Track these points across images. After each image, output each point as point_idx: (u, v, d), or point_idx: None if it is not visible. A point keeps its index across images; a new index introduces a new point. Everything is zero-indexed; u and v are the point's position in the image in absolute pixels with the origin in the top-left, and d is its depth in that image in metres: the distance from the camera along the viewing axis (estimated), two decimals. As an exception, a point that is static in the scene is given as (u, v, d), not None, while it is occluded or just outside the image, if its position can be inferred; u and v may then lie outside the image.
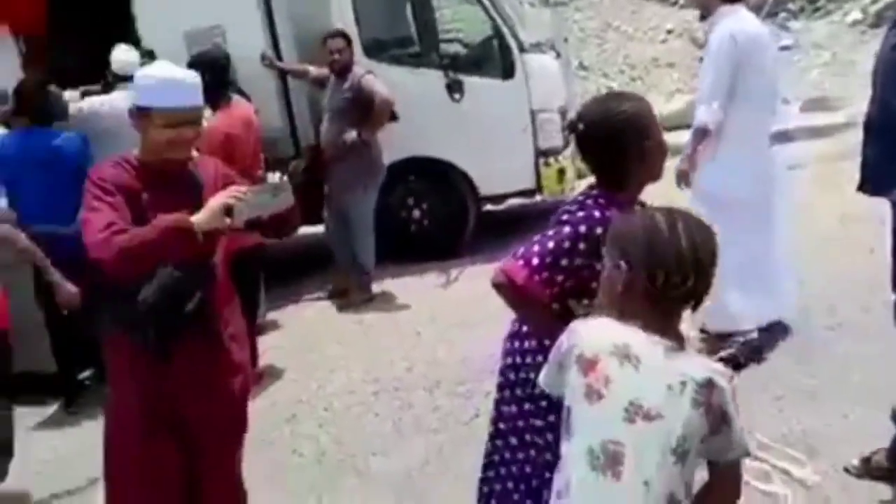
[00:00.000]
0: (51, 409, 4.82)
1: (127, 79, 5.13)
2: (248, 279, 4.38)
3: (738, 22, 3.86)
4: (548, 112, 6.38)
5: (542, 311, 2.03)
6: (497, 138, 6.30)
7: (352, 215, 5.77)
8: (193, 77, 2.45)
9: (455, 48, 6.91)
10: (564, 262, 1.97)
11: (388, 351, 4.95)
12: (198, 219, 2.29)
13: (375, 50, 6.35)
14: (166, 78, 2.41)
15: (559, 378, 1.66)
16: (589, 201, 2.04)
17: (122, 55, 5.30)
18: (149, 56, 5.29)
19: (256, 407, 4.44)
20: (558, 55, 7.08)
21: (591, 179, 2.19)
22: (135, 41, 5.81)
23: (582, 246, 1.97)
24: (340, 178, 5.74)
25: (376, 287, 5.96)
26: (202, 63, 4.38)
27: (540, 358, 2.04)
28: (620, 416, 1.54)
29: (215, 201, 2.32)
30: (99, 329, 2.52)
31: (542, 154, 6.39)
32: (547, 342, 1.88)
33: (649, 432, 1.53)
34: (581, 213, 2.01)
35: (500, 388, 2.23)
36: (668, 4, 14.44)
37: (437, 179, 6.48)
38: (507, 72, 6.34)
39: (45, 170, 4.45)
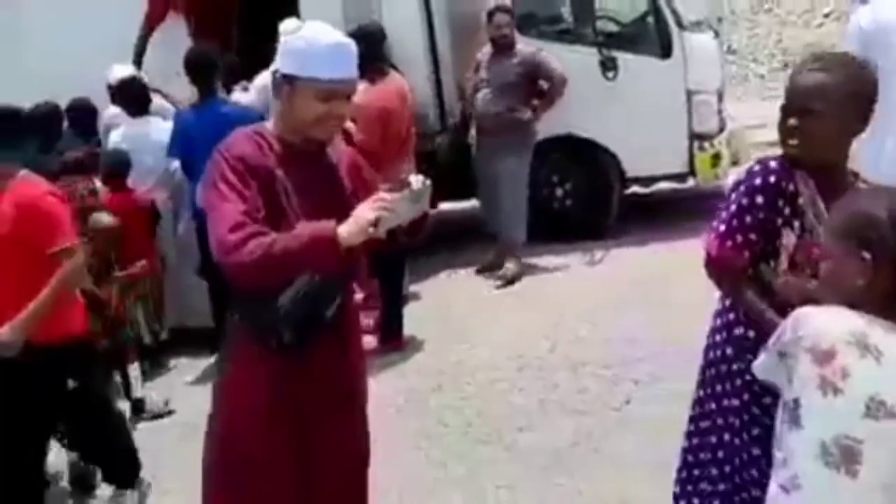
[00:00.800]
0: (207, 362, 5.03)
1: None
2: (391, 260, 4.41)
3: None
4: (705, 93, 6.14)
5: (745, 284, 1.97)
6: (649, 119, 6.10)
7: (505, 187, 5.75)
8: (351, 45, 2.10)
9: (610, 25, 6.72)
10: (748, 219, 1.94)
11: (530, 327, 4.91)
12: (345, 231, 1.97)
13: (528, 25, 6.27)
14: (323, 43, 2.05)
15: (779, 367, 1.56)
16: (762, 164, 1.98)
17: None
18: None
19: (402, 374, 4.56)
20: (716, 34, 6.78)
21: (745, 165, 2.12)
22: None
23: (760, 199, 1.93)
24: (496, 150, 5.75)
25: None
26: (360, 35, 4.42)
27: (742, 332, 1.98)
28: (860, 411, 1.43)
29: (364, 214, 1.98)
30: (226, 324, 2.27)
31: (696, 137, 6.15)
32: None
33: (893, 431, 1.42)
34: (756, 168, 1.97)
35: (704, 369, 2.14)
36: (827, -14, 13.62)
37: (583, 158, 6.35)
38: (665, 50, 6.12)
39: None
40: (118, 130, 5.33)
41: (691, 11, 6.72)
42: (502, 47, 5.74)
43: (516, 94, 5.71)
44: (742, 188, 1.97)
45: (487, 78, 5.80)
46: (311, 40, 2.05)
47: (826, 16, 13.45)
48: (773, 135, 6.68)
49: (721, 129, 6.28)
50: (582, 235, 6.20)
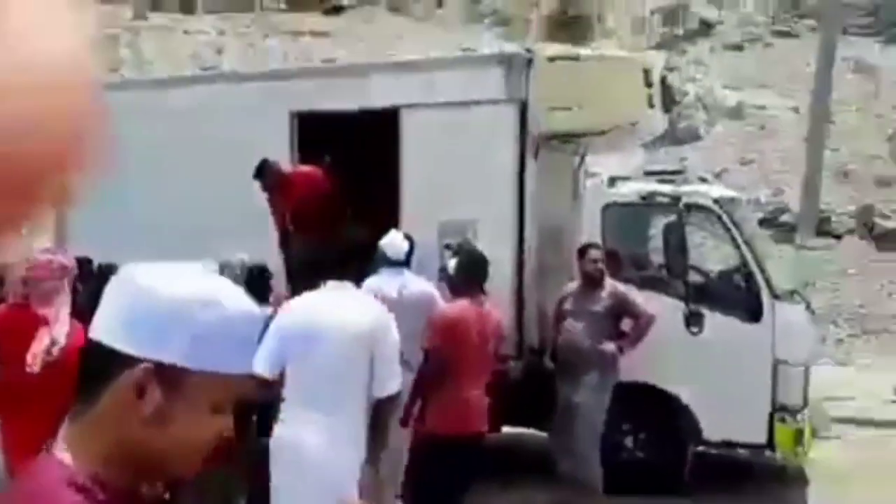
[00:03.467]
0: None
1: (393, 263, 5.36)
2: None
3: None
4: (792, 366, 5.93)
5: None
6: (732, 382, 5.91)
7: (582, 423, 5.59)
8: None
9: (698, 278, 6.70)
10: None
11: None
12: None
13: (615, 268, 6.29)
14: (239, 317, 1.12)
15: None
16: None
17: (396, 240, 5.52)
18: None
19: None
20: (808, 306, 6.68)
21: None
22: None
23: None
24: (576, 383, 5.65)
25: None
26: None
27: None
28: None
29: None
30: None
31: (780, 409, 5.89)
32: None
33: None
34: None
35: None
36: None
37: (660, 411, 6.13)
38: (755, 314, 6.02)
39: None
40: None
41: (787, 280, 6.69)
42: (594, 280, 5.75)
43: (602, 328, 5.68)
44: None
45: (574, 309, 5.79)
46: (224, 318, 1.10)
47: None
48: (854, 410, 6.39)
49: (805, 405, 6.02)
50: (652, 489, 5.86)
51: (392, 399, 3.71)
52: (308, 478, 3.45)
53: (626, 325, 5.80)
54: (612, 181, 6.74)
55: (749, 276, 6.09)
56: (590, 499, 5.55)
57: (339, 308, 3.66)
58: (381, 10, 24.76)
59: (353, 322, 3.61)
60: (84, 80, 0.68)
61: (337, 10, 24.78)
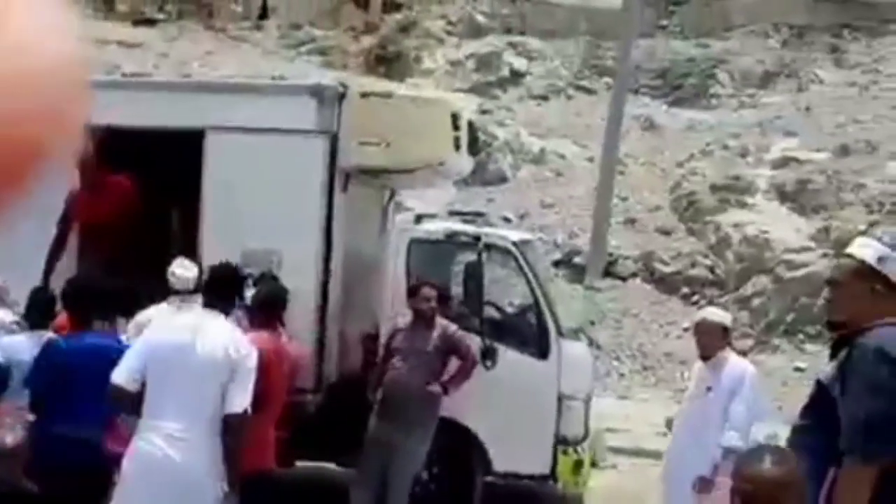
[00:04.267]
0: None
1: (181, 293, 5.18)
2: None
3: None
4: (575, 399, 6.34)
5: None
6: (521, 415, 6.21)
7: (399, 463, 5.65)
8: None
9: (495, 315, 7.01)
10: None
11: None
12: None
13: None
14: None
15: None
16: None
17: (179, 269, 5.33)
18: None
19: None
20: (590, 342, 7.17)
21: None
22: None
23: None
24: (399, 422, 5.68)
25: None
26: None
27: None
28: None
29: None
30: None
31: (562, 441, 6.26)
32: None
33: None
34: None
35: None
36: (689, 303, 14.88)
37: (451, 444, 6.30)
38: (543, 352, 6.37)
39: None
40: None
41: (569, 318, 7.15)
42: (425, 319, 5.85)
43: (431, 368, 5.78)
44: None
45: (403, 347, 5.86)
46: None
47: (685, 329, 14.60)
48: (631, 441, 6.88)
49: (585, 437, 6.44)
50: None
51: (239, 416, 3.86)
52: (161, 490, 3.74)
53: (453, 365, 5.92)
54: (419, 218, 6.95)
55: (540, 315, 6.46)
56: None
57: (201, 329, 3.92)
58: (196, 26, 24.01)
59: (212, 344, 3.87)
60: (78, 78, 0.79)
61: (150, 22, 23.74)
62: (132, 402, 3.88)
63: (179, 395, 3.80)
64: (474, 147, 7.96)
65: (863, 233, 13.51)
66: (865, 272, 2.90)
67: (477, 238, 6.39)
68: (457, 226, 6.71)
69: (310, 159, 6.25)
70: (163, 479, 3.74)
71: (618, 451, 8.74)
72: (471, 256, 6.40)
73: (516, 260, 6.52)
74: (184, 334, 3.94)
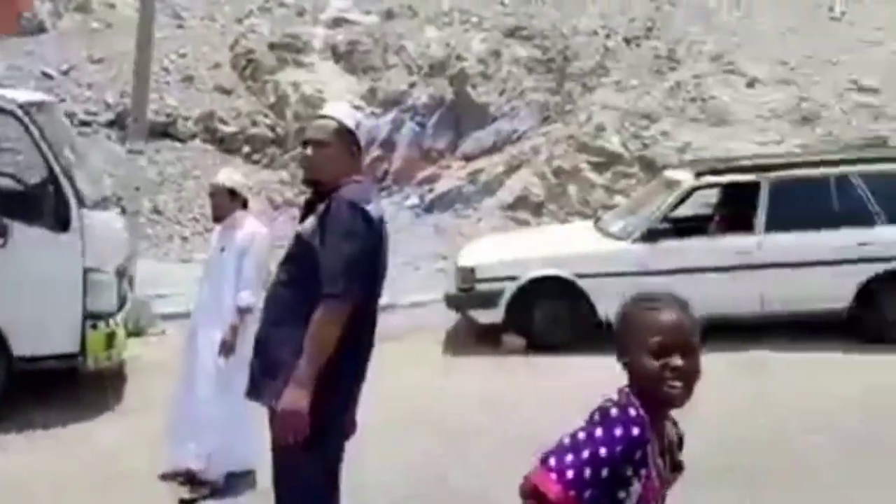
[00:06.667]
0: None
1: None
2: None
3: None
4: (102, 272, 6.03)
5: None
6: (41, 294, 5.77)
7: None
8: None
9: (7, 184, 6.29)
10: (604, 472, 1.82)
11: None
12: None
13: None
14: None
15: None
16: (622, 410, 1.89)
17: None
18: None
19: None
20: (123, 211, 6.85)
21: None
22: None
23: (619, 451, 1.84)
24: None
25: None
26: None
27: None
28: None
29: None
30: None
31: (90, 316, 5.96)
32: None
33: None
34: (614, 414, 1.87)
35: None
36: (250, 163, 14.92)
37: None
38: (62, 225, 5.90)
39: None
40: None
41: (101, 186, 6.70)
42: None
43: None
44: (599, 435, 1.84)
45: None
46: None
47: (251, 189, 14.76)
48: (181, 304, 6.83)
49: (121, 308, 6.23)
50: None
51: None
52: None
53: None
54: None
55: (57, 185, 5.93)
56: None
57: None
58: None
59: None
60: None
61: None
62: None
63: None
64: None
65: (405, 93, 14.70)
66: (345, 134, 3.18)
67: None
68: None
69: None
70: None
71: (174, 316, 8.65)
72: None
73: (23, 124, 5.85)
74: None
